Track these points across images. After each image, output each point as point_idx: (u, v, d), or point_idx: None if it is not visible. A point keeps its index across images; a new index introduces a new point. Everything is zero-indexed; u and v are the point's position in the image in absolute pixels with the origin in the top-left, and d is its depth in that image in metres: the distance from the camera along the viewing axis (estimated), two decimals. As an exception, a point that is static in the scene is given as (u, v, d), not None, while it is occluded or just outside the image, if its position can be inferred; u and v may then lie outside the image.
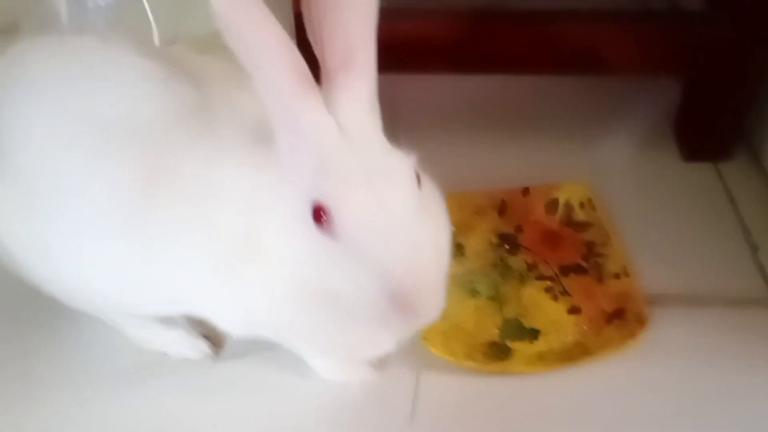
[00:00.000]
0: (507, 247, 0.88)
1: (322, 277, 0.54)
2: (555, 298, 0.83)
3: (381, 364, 0.76)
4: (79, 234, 0.62)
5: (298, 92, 0.51)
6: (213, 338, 0.79)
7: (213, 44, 0.53)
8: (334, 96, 0.53)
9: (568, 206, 0.91)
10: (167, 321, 0.78)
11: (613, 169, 0.98)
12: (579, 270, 0.85)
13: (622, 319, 0.79)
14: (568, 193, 0.92)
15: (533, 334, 0.79)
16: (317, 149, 0.52)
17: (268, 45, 0.50)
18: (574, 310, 0.81)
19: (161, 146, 0.60)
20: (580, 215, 0.91)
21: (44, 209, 0.62)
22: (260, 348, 0.77)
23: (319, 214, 0.51)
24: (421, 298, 0.51)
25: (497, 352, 0.77)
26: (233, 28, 0.49)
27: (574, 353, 0.77)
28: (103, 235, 0.62)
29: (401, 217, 0.51)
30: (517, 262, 0.86)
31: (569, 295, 0.83)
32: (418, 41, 0.88)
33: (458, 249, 0.88)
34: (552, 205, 0.91)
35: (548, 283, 0.84)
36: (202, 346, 0.78)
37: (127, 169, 0.60)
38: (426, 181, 0.57)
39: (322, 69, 0.53)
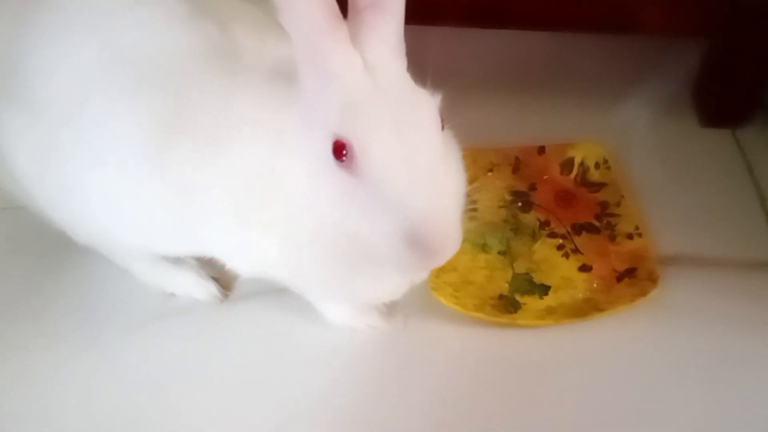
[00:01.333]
0: (520, 204, 0.87)
1: (340, 217, 0.53)
2: (566, 256, 0.82)
3: (389, 311, 0.76)
4: (98, 166, 0.62)
5: (326, 28, 0.50)
6: (222, 280, 0.79)
7: None
8: (361, 35, 0.52)
9: (584, 166, 0.91)
10: (177, 262, 0.78)
11: (630, 130, 0.97)
12: (592, 229, 0.85)
13: (633, 277, 0.79)
14: (584, 153, 0.91)
15: (543, 289, 0.79)
16: (343, 87, 0.51)
17: None
18: (585, 268, 0.81)
19: (184, 83, 0.60)
20: (595, 175, 0.90)
21: (66, 141, 0.62)
22: (269, 291, 0.77)
23: (340, 151, 0.50)
24: (439, 240, 0.51)
25: (506, 305, 0.77)
26: None
27: (584, 309, 0.76)
28: (123, 169, 0.61)
29: (426, 160, 0.50)
30: (530, 219, 0.86)
31: (581, 253, 0.82)
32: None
33: (471, 205, 0.87)
34: (567, 164, 0.91)
35: (560, 240, 0.84)
36: (211, 288, 0.78)
37: (149, 104, 0.60)
38: (446, 126, 0.56)
39: (350, 7, 0.53)
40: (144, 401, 0.71)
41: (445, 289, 0.77)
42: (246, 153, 0.58)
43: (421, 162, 0.50)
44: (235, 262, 0.66)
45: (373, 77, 0.51)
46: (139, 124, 0.60)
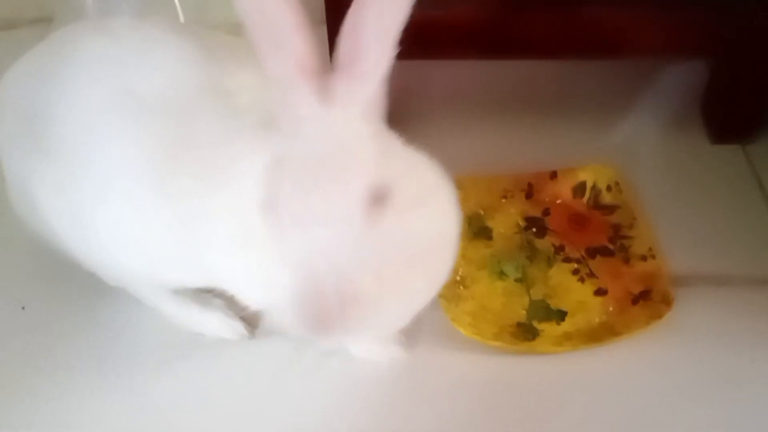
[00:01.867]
0: (534, 230, 0.89)
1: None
2: (582, 280, 0.84)
3: (411, 343, 0.79)
4: (107, 199, 0.66)
5: (295, 80, 0.51)
6: (249, 318, 0.82)
7: (238, 32, 0.55)
8: (332, 92, 0.52)
9: (596, 189, 0.92)
10: (204, 302, 0.81)
11: (640, 151, 0.99)
12: (606, 252, 0.87)
13: (648, 299, 0.81)
14: (596, 176, 0.93)
15: (560, 315, 0.81)
16: (285, 137, 0.52)
17: (274, 28, 0.51)
18: (600, 292, 0.83)
19: (189, 118, 0.63)
20: (607, 198, 0.92)
21: (78, 178, 0.66)
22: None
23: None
24: (309, 322, 0.49)
25: (524, 333, 0.79)
26: (244, 7, 0.50)
27: (601, 334, 0.78)
28: (130, 199, 0.65)
29: (323, 229, 0.49)
30: (545, 244, 0.88)
31: (596, 276, 0.84)
32: (446, 29, 0.89)
33: (486, 232, 0.89)
34: (579, 188, 0.93)
35: (575, 265, 0.86)
36: (239, 327, 0.81)
37: (153, 137, 0.63)
38: (405, 201, 0.53)
39: (333, 60, 0.53)
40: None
41: (464, 318, 0.79)
42: (238, 189, 0.60)
43: (318, 232, 0.49)
44: (242, 290, 0.67)
45: (324, 135, 0.51)
46: (145, 155, 0.64)
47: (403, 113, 1.04)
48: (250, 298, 0.67)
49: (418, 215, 0.54)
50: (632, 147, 0.99)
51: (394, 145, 0.57)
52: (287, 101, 0.52)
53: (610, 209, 0.91)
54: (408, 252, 0.53)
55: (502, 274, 0.85)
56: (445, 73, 1.08)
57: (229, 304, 0.81)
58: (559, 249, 0.87)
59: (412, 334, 0.79)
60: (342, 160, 0.50)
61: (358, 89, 0.51)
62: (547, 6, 0.90)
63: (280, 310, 0.52)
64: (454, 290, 0.82)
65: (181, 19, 1.21)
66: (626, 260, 0.85)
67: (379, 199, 0.51)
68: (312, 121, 0.51)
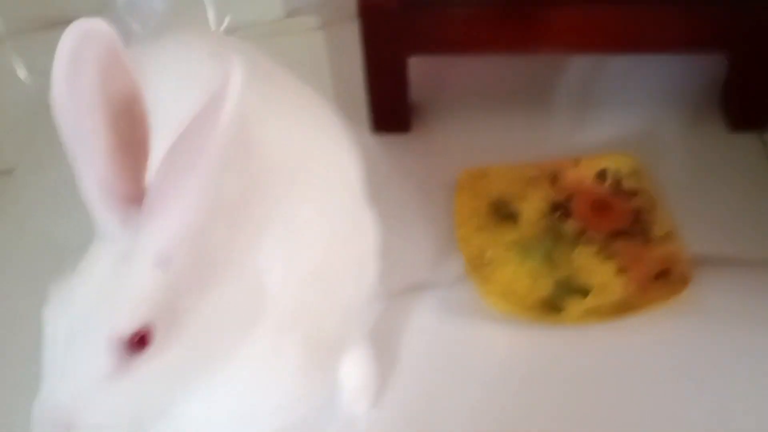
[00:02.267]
0: (558, 214, 0.95)
1: None
2: (603, 261, 0.89)
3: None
4: None
5: (96, 203, 0.47)
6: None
7: (267, 31, 0.57)
8: (128, 225, 0.47)
9: (617, 176, 0.98)
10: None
11: (660, 139, 1.04)
12: (626, 235, 0.92)
13: (666, 278, 0.86)
14: (617, 164, 0.98)
15: (583, 292, 0.86)
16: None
17: (85, 148, 0.46)
18: (621, 271, 0.88)
19: None
20: (628, 184, 0.97)
21: None
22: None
23: None
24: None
25: (550, 308, 0.85)
26: (59, 110, 0.45)
27: (621, 309, 0.84)
28: None
29: (58, 368, 0.46)
30: (568, 228, 0.93)
31: (617, 257, 0.89)
32: (470, 26, 0.95)
33: (513, 217, 0.95)
34: (601, 175, 0.98)
35: (597, 247, 0.91)
36: None
37: None
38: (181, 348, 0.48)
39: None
40: None
41: (494, 295, 0.85)
42: None
43: (55, 360, 0.46)
44: None
45: (89, 275, 0.47)
46: None
47: (433, 105, 1.10)
48: None
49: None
50: (652, 136, 1.04)
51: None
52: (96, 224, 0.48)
53: (630, 195, 0.96)
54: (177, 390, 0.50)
55: (528, 256, 0.90)
56: (473, 67, 1.14)
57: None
58: (582, 232, 0.93)
59: (445, 309, 0.85)
60: (94, 308, 0.46)
61: (154, 234, 0.46)
62: (568, 3, 0.95)
63: None
64: (483, 271, 0.88)
65: (212, 20, 1.27)
66: (646, 242, 0.91)
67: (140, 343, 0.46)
68: (92, 255, 0.48)
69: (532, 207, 0.96)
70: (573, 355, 0.82)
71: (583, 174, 0.98)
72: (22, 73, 1.25)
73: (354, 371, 0.77)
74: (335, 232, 0.61)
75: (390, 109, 1.05)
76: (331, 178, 0.63)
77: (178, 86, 0.60)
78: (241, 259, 0.52)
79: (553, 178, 0.98)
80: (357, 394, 0.79)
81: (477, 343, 0.85)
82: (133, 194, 0.47)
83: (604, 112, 1.08)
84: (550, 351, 0.83)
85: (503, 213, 0.95)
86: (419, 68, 1.06)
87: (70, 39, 0.44)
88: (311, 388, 0.61)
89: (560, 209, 0.95)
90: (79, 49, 0.44)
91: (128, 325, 0.46)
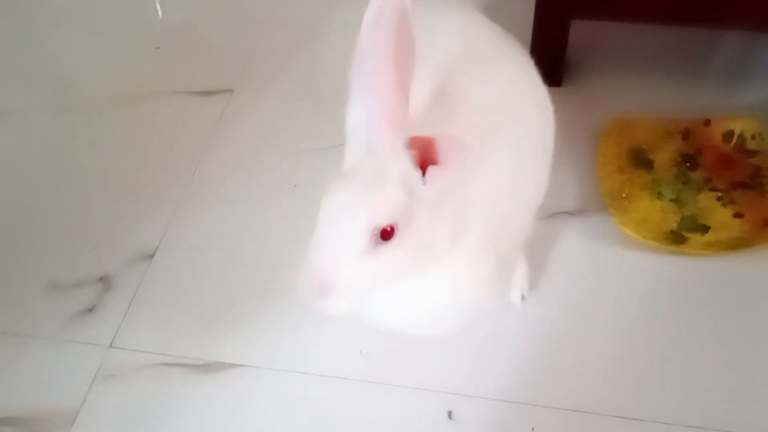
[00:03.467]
0: (688, 164, 1.13)
1: None
2: (724, 206, 1.07)
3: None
4: None
5: (378, 123, 0.65)
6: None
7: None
8: (393, 144, 0.64)
9: (742, 137, 1.14)
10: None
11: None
12: (746, 186, 1.09)
13: (778, 224, 1.03)
14: (743, 126, 1.15)
15: (705, 228, 1.05)
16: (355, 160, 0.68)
17: (375, 82, 0.64)
18: (739, 215, 1.06)
19: None
20: (751, 144, 1.14)
21: None
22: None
23: None
24: (307, 286, 0.63)
25: (675, 239, 1.04)
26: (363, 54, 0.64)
27: (737, 244, 1.02)
28: None
29: (332, 236, 0.63)
30: (696, 176, 1.11)
31: (736, 204, 1.07)
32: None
33: (649, 163, 1.13)
34: (728, 135, 1.15)
35: (720, 193, 1.09)
36: None
37: None
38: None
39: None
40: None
41: (629, 224, 1.04)
42: None
43: (326, 235, 0.63)
44: None
45: (362, 172, 0.64)
46: None
47: (586, 67, 1.28)
48: None
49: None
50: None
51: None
52: (366, 135, 0.65)
53: (752, 153, 1.13)
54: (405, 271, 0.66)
55: (660, 195, 1.09)
56: (622, 31, 1.31)
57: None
58: (707, 180, 1.10)
59: (585, 233, 1.05)
60: (359, 202, 0.62)
61: (437, 176, 0.63)
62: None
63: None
64: (621, 204, 1.07)
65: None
66: (762, 194, 1.08)
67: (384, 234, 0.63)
68: (359, 162, 0.65)
69: (665, 156, 1.14)
70: (692, 281, 1.01)
71: (712, 133, 1.15)
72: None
73: (515, 274, 0.99)
74: (525, 162, 0.80)
75: (549, 65, 1.23)
76: (529, 112, 0.83)
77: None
78: (460, 188, 0.68)
79: (686, 134, 1.16)
80: (516, 290, 1.01)
81: (610, 262, 1.04)
82: (399, 122, 0.64)
83: (735, 79, 1.24)
84: (672, 275, 1.02)
85: (641, 158, 1.13)
86: (574, 30, 1.24)
87: (376, 2, 0.64)
88: (496, 291, 0.79)
89: (690, 160, 1.13)
90: (381, 9, 0.64)
91: (384, 220, 0.62)
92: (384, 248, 0.63)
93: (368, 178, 0.63)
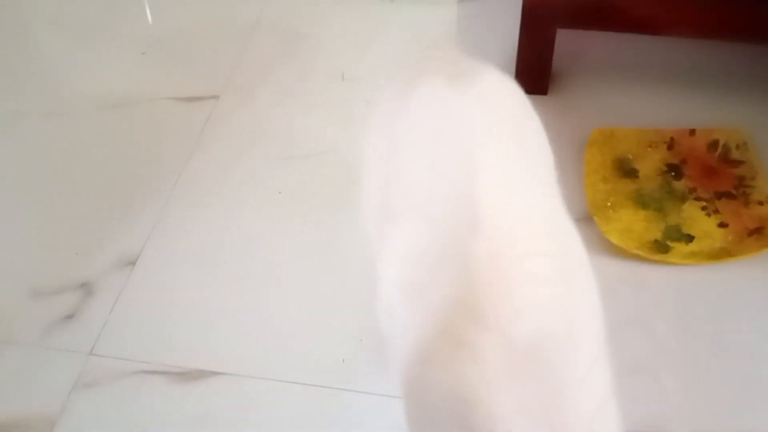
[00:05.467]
0: (673, 174, 1.13)
1: None
2: (708, 215, 1.07)
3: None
4: None
5: None
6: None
7: None
8: None
9: (726, 147, 1.15)
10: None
11: (766, 117, 1.20)
12: (730, 196, 1.10)
13: (761, 234, 1.03)
14: (727, 136, 1.15)
15: (689, 238, 1.05)
16: None
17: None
18: (722, 225, 1.06)
19: None
20: (735, 154, 1.14)
21: None
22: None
23: None
24: None
25: (660, 248, 1.04)
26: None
27: (720, 254, 1.02)
28: None
29: None
30: (680, 185, 1.11)
31: (720, 213, 1.07)
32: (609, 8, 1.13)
33: (633, 173, 1.14)
34: (713, 145, 1.15)
35: (704, 203, 1.09)
36: None
37: None
38: None
39: None
40: None
41: (613, 233, 1.05)
42: None
43: None
44: None
45: None
46: None
47: (571, 76, 1.29)
48: None
49: None
50: (760, 114, 1.20)
51: None
52: None
53: (736, 163, 1.13)
54: None
55: (644, 205, 1.09)
56: (606, 41, 1.32)
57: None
58: (692, 190, 1.11)
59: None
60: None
61: None
62: None
63: None
64: (605, 212, 1.08)
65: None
66: (746, 204, 1.08)
67: None
68: None
69: (650, 165, 1.14)
70: (675, 291, 1.01)
71: (697, 143, 1.16)
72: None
73: None
74: None
75: (534, 74, 1.24)
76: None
77: None
78: None
79: (671, 144, 1.16)
80: None
81: (594, 271, 1.03)
82: None
83: (720, 91, 1.25)
84: (655, 283, 1.02)
85: (626, 168, 1.14)
86: (560, 39, 1.24)
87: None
88: None
89: (674, 170, 1.14)
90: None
91: None
92: None
93: None
